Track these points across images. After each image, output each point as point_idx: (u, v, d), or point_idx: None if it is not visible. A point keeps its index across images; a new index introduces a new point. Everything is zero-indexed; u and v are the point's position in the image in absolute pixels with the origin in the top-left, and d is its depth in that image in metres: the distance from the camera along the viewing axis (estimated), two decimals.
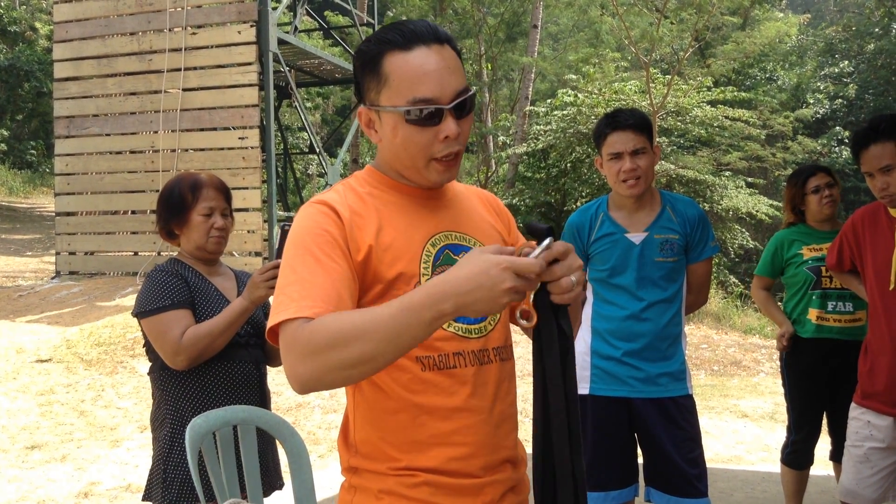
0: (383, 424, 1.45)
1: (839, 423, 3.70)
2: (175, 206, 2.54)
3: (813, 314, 3.77)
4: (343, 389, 1.52)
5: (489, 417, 1.48)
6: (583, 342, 3.04)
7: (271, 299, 2.48)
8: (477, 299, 1.15)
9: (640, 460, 2.99)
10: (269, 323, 1.32)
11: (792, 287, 3.89)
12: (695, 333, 11.44)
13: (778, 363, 3.94)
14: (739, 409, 7.17)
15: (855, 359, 3.67)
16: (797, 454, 3.87)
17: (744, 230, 16.82)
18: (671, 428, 2.88)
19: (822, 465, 4.00)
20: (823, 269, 3.72)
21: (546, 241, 1.21)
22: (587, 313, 3.06)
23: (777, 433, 6.35)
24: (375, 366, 1.23)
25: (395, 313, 1.19)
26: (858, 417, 3.00)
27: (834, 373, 3.72)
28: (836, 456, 3.77)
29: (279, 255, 2.32)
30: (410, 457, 1.43)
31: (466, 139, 1.48)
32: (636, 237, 2.92)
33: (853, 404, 3.05)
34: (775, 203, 16.60)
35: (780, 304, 4.03)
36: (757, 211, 15.61)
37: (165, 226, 2.58)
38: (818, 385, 3.78)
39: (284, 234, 2.32)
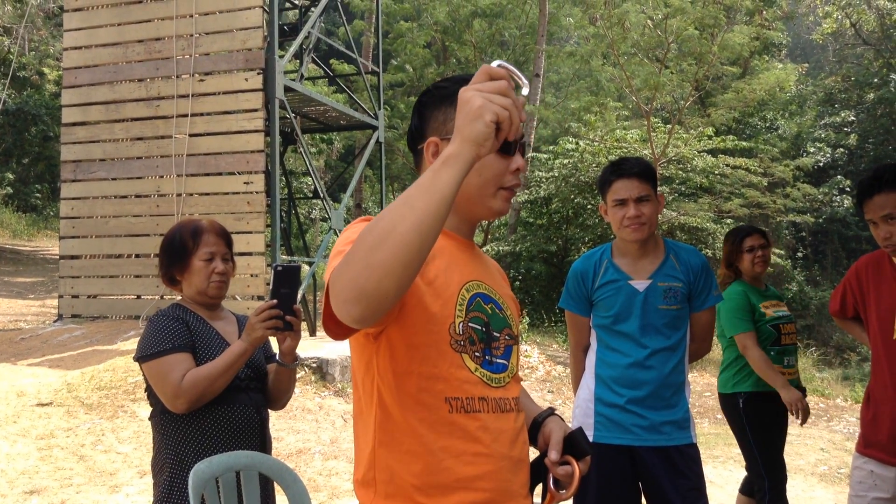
0: (409, 467, 1.45)
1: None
2: (176, 252, 2.57)
3: None
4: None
5: (508, 464, 1.51)
6: (586, 389, 3.04)
7: (271, 340, 2.50)
8: (462, 120, 1.21)
9: None
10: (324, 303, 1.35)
11: None
12: (698, 381, 11.38)
13: None
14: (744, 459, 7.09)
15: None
16: (776, 501, 3.96)
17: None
18: (675, 477, 2.86)
19: None
20: (781, 325, 4.05)
21: None
22: (591, 360, 3.07)
23: None
24: (420, 243, 1.19)
25: (414, 186, 1.23)
26: (861, 467, 2.96)
27: (784, 419, 4.08)
28: (746, 489, 4.24)
29: (273, 295, 2.34)
30: (434, 501, 1.44)
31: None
32: (640, 284, 2.93)
33: (855, 453, 3.02)
34: (777, 251, 16.59)
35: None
36: None
37: (167, 272, 2.61)
38: (779, 431, 4.07)
39: (278, 274, 2.35)
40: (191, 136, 10.06)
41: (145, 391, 2.59)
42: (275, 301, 2.34)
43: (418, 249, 1.19)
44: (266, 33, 10.09)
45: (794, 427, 8.54)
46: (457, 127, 1.22)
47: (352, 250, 1.22)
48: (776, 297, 4.23)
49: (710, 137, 16.59)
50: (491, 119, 1.19)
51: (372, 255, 1.19)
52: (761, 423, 4.01)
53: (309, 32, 11.99)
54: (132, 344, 8.42)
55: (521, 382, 1.67)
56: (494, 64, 1.27)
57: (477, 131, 1.20)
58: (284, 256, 11.40)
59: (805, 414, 3.89)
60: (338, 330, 1.37)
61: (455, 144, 1.22)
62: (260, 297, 9.57)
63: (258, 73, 9.85)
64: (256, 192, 9.77)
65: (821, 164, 25.14)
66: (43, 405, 6.81)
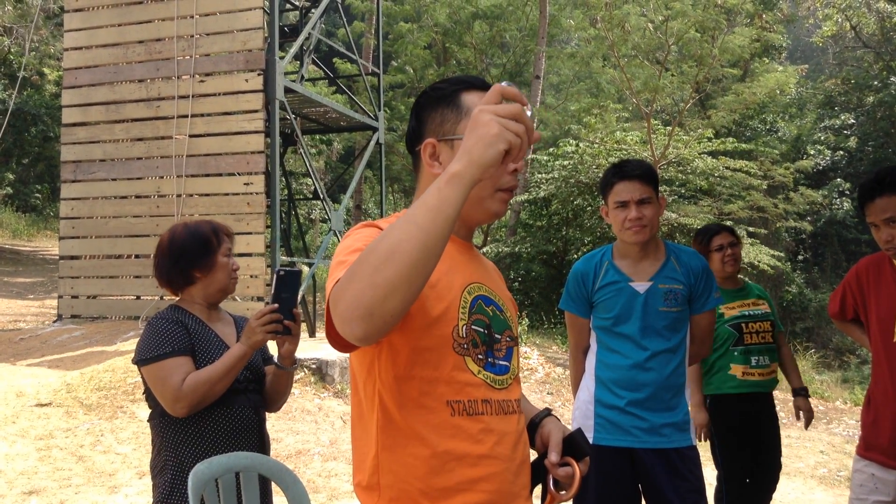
0: (413, 470, 1.45)
1: (764, 477, 3.99)
2: (202, 248, 2.55)
3: (738, 370, 3.97)
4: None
5: (511, 466, 1.51)
6: (586, 391, 3.04)
7: (269, 342, 2.50)
8: (475, 143, 1.22)
9: None
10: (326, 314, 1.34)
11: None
12: None
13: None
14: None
15: (769, 405, 4.01)
16: None
17: (746, 280, 16.80)
18: (675, 479, 2.86)
19: None
20: (744, 325, 3.97)
21: None
22: (591, 362, 3.07)
23: (782, 485, 6.28)
24: (425, 260, 1.21)
25: (418, 204, 1.24)
26: (862, 470, 2.96)
27: (756, 421, 3.97)
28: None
29: (275, 299, 2.34)
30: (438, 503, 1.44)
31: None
32: (640, 286, 2.93)
33: (856, 457, 3.02)
34: (776, 253, 16.59)
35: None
36: (759, 261, 15.60)
37: (188, 269, 2.55)
38: (745, 434, 3.95)
39: (280, 278, 2.34)
40: (191, 136, 10.06)
41: (144, 393, 2.58)
42: (276, 305, 2.34)
43: (423, 267, 1.21)
44: (266, 34, 10.09)
45: (793, 430, 8.54)
46: (466, 147, 1.23)
47: (354, 269, 1.23)
48: (755, 295, 4.14)
49: (709, 139, 16.58)
50: (504, 148, 1.21)
51: (376, 273, 1.20)
52: (727, 427, 3.95)
53: (309, 34, 11.99)
54: (131, 345, 8.41)
55: (521, 384, 1.67)
56: (503, 84, 1.28)
57: (487, 157, 1.21)
58: (284, 258, 11.39)
59: (705, 437, 3.92)
60: (342, 343, 1.37)
61: (461, 164, 1.23)
62: (259, 299, 9.58)
63: (258, 75, 9.85)
64: (256, 193, 9.77)
65: (820, 167, 25.16)
66: (42, 405, 6.81)
